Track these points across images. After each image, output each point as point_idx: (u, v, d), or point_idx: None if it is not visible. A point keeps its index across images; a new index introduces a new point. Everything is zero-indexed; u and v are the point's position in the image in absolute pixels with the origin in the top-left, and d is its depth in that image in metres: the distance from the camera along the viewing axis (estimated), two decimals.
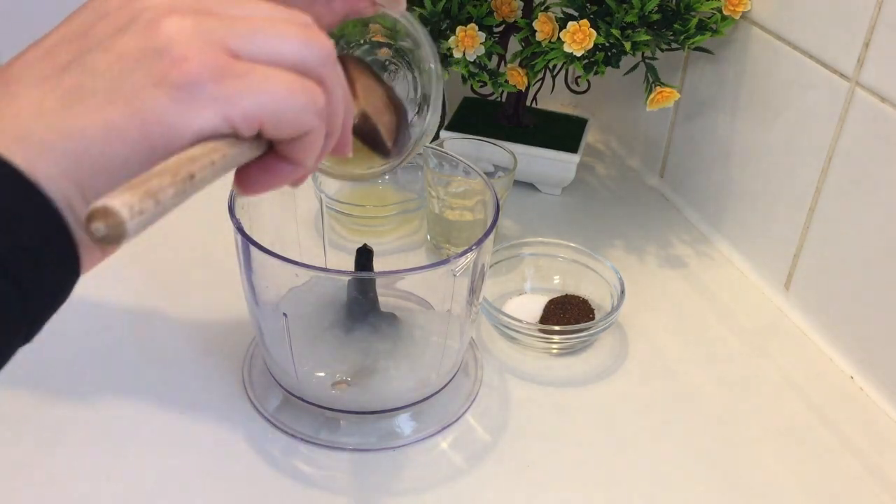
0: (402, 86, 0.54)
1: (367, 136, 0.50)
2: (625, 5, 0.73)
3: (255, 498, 0.58)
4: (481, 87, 0.79)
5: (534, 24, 0.75)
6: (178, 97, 0.32)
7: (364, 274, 0.65)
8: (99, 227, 0.29)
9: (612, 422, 0.66)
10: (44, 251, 0.31)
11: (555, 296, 0.75)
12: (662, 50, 0.78)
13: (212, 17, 0.34)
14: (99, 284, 0.72)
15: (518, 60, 0.79)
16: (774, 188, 0.78)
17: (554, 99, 0.95)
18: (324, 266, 0.72)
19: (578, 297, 0.75)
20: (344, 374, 0.63)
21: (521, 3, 0.79)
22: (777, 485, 0.62)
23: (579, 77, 0.87)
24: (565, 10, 0.75)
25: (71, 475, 0.59)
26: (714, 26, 0.76)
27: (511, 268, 0.78)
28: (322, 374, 0.63)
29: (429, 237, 0.80)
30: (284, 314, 0.60)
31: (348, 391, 0.62)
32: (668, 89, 0.76)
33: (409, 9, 0.64)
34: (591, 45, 0.72)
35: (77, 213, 0.32)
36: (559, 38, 0.73)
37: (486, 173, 0.74)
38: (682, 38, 0.75)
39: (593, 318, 0.73)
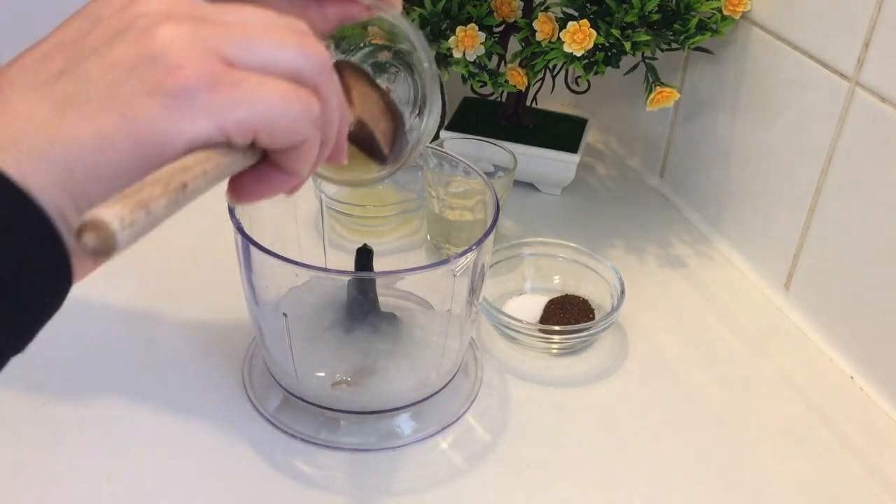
0: (403, 88, 0.54)
1: (363, 142, 0.50)
2: (625, 5, 0.73)
3: (255, 498, 0.58)
4: (481, 87, 0.79)
5: (534, 24, 0.75)
6: (172, 105, 0.32)
7: (364, 274, 0.65)
8: (89, 239, 0.28)
9: (612, 422, 0.66)
10: (36, 261, 0.31)
11: (555, 296, 0.75)
12: (662, 50, 0.78)
13: (207, 24, 0.34)
14: (99, 285, 0.71)
15: (518, 60, 0.79)
16: (774, 188, 0.78)
17: (554, 99, 0.95)
18: (324, 266, 0.72)
19: (578, 297, 0.75)
20: (344, 374, 0.63)
21: (521, 3, 0.79)
22: (777, 485, 0.62)
23: (579, 77, 0.87)
24: (565, 10, 0.75)
25: (71, 475, 0.59)
26: (714, 26, 0.76)
27: (511, 268, 0.78)
28: (322, 374, 0.63)
29: (429, 237, 0.80)
30: (284, 314, 0.60)
31: (348, 391, 0.62)
32: (668, 89, 0.76)
33: (410, 9, 0.64)
34: (591, 45, 0.72)
35: (69, 223, 0.32)
36: (559, 38, 0.73)
37: (486, 173, 0.74)
38: (682, 38, 0.75)
39: (593, 318, 0.73)
